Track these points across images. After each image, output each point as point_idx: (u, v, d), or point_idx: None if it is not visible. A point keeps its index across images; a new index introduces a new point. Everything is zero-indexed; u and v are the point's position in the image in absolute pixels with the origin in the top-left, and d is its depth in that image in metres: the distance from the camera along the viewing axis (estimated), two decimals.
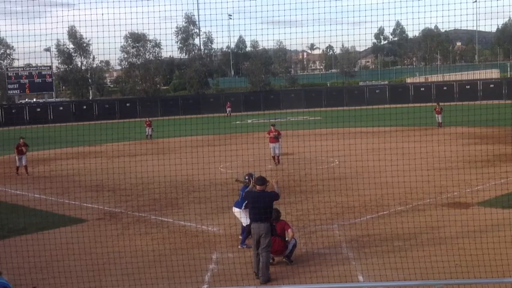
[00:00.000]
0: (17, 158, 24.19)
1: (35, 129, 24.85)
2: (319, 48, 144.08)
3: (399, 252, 10.75)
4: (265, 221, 9.86)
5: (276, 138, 23.76)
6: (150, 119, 41.42)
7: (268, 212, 9.97)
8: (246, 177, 12.05)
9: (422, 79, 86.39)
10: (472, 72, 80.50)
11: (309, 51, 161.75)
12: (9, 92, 72.09)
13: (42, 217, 15.13)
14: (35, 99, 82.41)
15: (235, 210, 12.09)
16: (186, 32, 78.21)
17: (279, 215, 10.80)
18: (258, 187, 10.25)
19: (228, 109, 66.31)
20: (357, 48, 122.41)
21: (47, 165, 26.10)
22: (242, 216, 11.78)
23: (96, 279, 10.03)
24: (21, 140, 24.19)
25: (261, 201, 9.94)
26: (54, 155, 27.36)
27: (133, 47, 77.02)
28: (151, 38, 75.71)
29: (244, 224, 11.78)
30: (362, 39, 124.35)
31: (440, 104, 40.45)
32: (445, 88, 69.75)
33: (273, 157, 23.87)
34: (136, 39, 75.72)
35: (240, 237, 12.16)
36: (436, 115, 38.67)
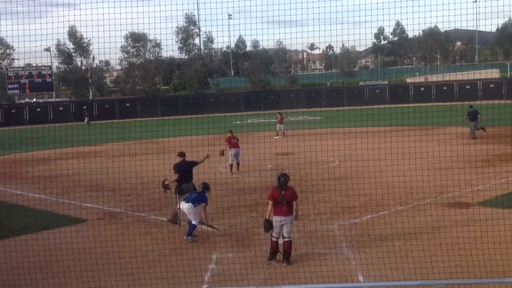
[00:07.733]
0: None
1: (35, 129, 24.79)
2: (319, 48, 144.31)
3: (399, 252, 10.74)
4: (191, 181, 13.72)
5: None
6: None
7: (191, 175, 13.87)
8: (201, 187, 12.93)
9: (422, 79, 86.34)
10: (472, 72, 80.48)
11: (309, 51, 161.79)
12: (9, 92, 72.09)
13: (42, 217, 15.12)
14: (35, 99, 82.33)
15: (185, 206, 12.61)
16: (186, 32, 78.18)
17: (287, 180, 10.77)
18: (180, 158, 14.10)
19: (86, 117, 59.98)
20: (357, 48, 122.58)
21: (47, 165, 26.08)
22: (191, 213, 12.52)
23: (96, 279, 10.03)
24: None
25: (187, 168, 13.85)
26: (54, 155, 27.35)
27: (133, 47, 76.98)
28: (151, 38, 75.81)
29: (193, 222, 12.47)
30: (362, 39, 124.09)
31: (281, 111, 37.92)
32: (445, 88, 69.71)
33: (230, 165, 21.84)
34: (137, 39, 75.69)
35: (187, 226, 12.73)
36: (278, 124, 35.96)
